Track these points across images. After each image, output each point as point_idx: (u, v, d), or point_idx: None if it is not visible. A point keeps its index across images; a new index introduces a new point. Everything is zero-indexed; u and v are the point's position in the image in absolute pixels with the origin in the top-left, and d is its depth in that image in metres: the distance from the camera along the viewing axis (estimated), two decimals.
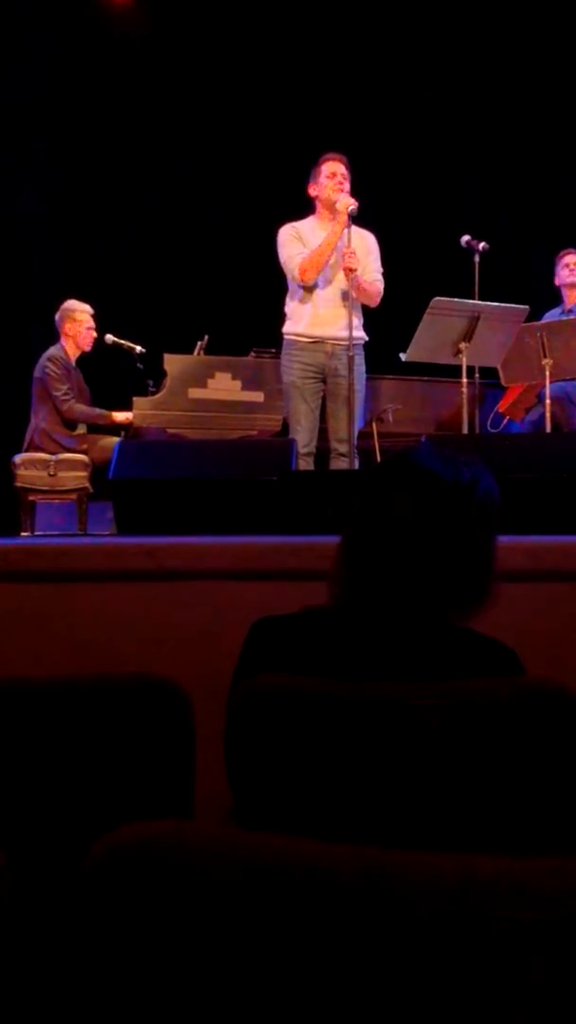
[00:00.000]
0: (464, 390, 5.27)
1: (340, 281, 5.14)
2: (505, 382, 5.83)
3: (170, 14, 7.79)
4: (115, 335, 6.32)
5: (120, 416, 5.91)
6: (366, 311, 5.33)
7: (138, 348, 6.27)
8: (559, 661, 2.28)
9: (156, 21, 7.75)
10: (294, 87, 7.83)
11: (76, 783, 1.45)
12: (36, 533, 5.79)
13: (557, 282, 6.23)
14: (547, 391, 5.49)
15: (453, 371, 5.42)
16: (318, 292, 5.20)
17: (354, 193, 5.18)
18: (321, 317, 5.19)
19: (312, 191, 5.30)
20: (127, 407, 5.91)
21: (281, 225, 5.32)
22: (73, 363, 6.08)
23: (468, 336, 5.19)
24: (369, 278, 5.19)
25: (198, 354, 6.16)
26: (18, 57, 7.56)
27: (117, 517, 3.96)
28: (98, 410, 6.02)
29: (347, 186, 5.20)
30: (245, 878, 0.76)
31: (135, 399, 5.89)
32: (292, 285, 5.28)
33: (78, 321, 6.09)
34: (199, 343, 6.24)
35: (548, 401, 5.49)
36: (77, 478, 5.76)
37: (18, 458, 5.83)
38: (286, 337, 5.31)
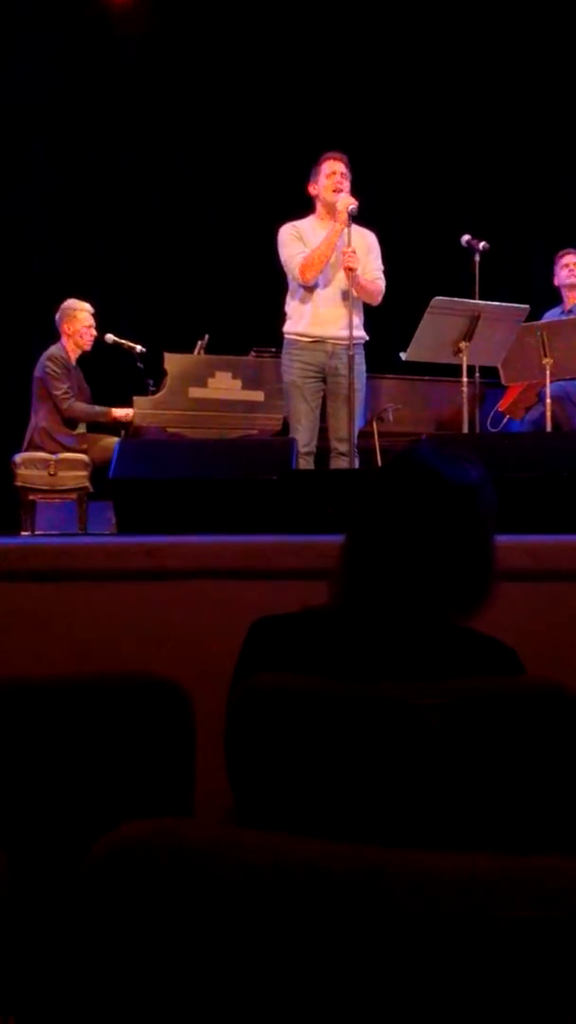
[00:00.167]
0: (464, 389, 5.26)
1: (340, 280, 5.14)
2: (505, 381, 5.83)
3: (170, 14, 7.79)
4: (115, 334, 6.32)
5: (120, 412, 5.91)
6: (367, 310, 5.33)
7: (138, 347, 6.27)
8: (559, 660, 2.28)
9: (156, 21, 7.75)
10: (294, 87, 7.83)
11: (76, 783, 1.45)
12: (36, 532, 5.79)
13: (556, 282, 6.23)
14: (547, 390, 5.50)
15: (453, 370, 5.42)
16: (318, 291, 5.20)
17: (354, 192, 5.18)
18: (321, 316, 5.19)
19: (312, 190, 5.30)
20: (127, 406, 5.91)
21: (281, 224, 5.32)
22: (73, 362, 6.08)
23: (468, 335, 5.19)
24: (370, 277, 5.19)
25: (198, 353, 6.16)
26: (18, 57, 7.56)
27: (117, 516, 3.97)
28: (98, 408, 6.02)
29: (347, 185, 5.19)
30: (245, 877, 0.76)
31: (135, 398, 5.89)
32: (293, 284, 5.28)
33: (78, 320, 6.09)
34: (199, 342, 6.23)
35: (548, 400, 5.49)
36: (77, 477, 5.76)
37: (18, 457, 5.83)
38: (286, 336, 5.31)
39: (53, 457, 5.80)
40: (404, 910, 0.72)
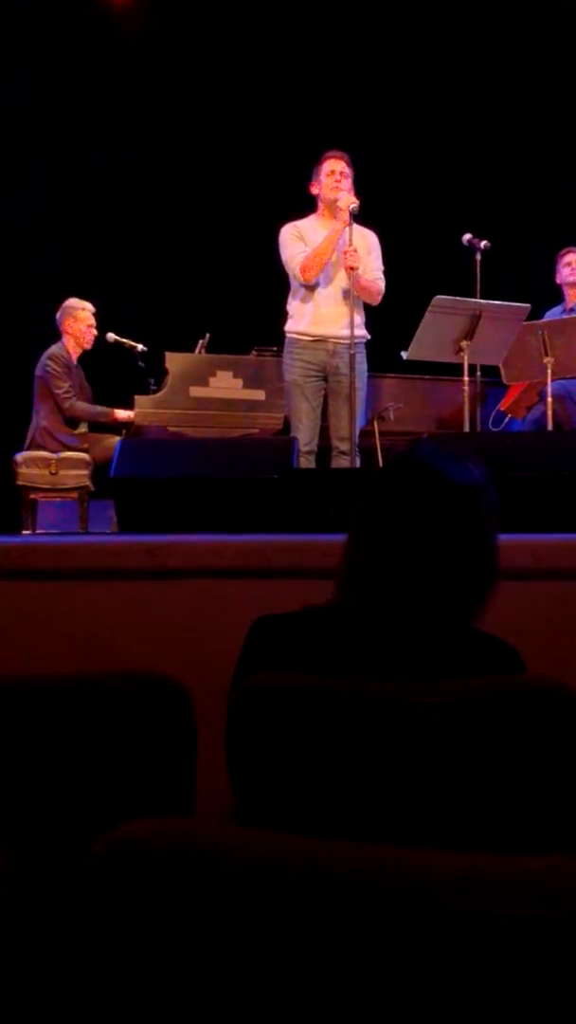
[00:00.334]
0: (465, 388, 5.26)
1: (342, 279, 5.14)
2: (506, 380, 5.83)
3: (170, 14, 7.79)
4: (116, 334, 6.32)
5: (122, 414, 5.91)
6: (368, 309, 5.33)
7: (139, 347, 6.27)
8: (560, 659, 2.28)
9: (156, 20, 7.75)
10: (295, 86, 7.82)
11: (78, 781, 1.45)
12: (37, 531, 5.79)
13: (558, 280, 6.23)
14: (548, 389, 5.50)
15: (454, 369, 5.42)
16: (320, 290, 5.20)
17: (355, 191, 5.18)
18: (323, 315, 5.19)
19: (314, 189, 5.30)
20: (129, 405, 5.91)
21: (283, 224, 5.32)
22: (74, 361, 6.08)
23: (469, 334, 5.19)
24: (370, 276, 5.19)
25: (199, 352, 6.16)
26: (19, 57, 7.56)
27: (118, 515, 3.97)
28: (100, 408, 6.02)
29: (347, 184, 5.19)
30: (246, 875, 0.76)
31: (136, 397, 5.89)
32: (294, 284, 5.28)
33: (79, 319, 6.09)
34: (200, 341, 6.23)
35: (550, 399, 5.49)
36: (78, 476, 5.76)
37: (20, 456, 5.83)
38: (288, 335, 5.31)
39: (54, 456, 5.80)
40: (404, 908, 0.72)
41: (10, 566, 2.63)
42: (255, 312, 6.78)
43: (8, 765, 1.43)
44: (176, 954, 0.77)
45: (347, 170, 5.23)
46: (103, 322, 6.24)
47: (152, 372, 6.07)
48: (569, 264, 6.14)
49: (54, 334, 6.14)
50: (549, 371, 5.43)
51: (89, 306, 6.15)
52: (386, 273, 5.29)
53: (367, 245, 5.24)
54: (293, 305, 5.30)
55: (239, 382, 5.90)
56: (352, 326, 5.04)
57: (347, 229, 5.05)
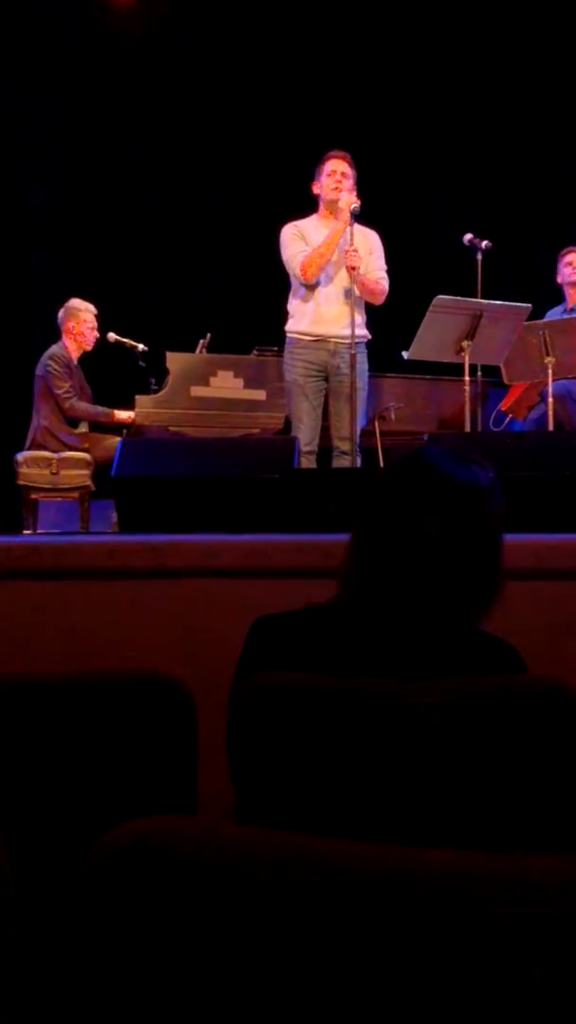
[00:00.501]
0: (466, 388, 5.26)
1: (343, 279, 5.14)
2: (507, 380, 5.83)
3: (171, 13, 7.79)
4: (117, 333, 6.32)
5: (123, 414, 5.91)
6: (369, 309, 5.33)
7: (140, 346, 6.27)
8: (560, 659, 2.28)
9: (158, 19, 7.75)
10: (296, 85, 7.82)
11: (78, 781, 1.45)
12: (38, 531, 5.79)
13: (559, 280, 6.23)
14: (549, 389, 5.49)
15: (455, 369, 5.42)
16: (320, 290, 5.20)
17: (357, 191, 5.19)
18: (323, 315, 5.20)
19: (315, 189, 5.30)
20: (129, 405, 5.91)
21: (284, 224, 5.32)
22: (75, 362, 6.09)
23: (470, 334, 5.19)
24: (372, 276, 5.19)
25: (200, 352, 6.16)
26: (19, 56, 7.56)
27: (119, 515, 3.97)
28: (100, 408, 6.02)
29: (348, 184, 5.20)
30: (246, 875, 0.76)
31: (137, 397, 5.89)
32: (295, 283, 5.29)
33: (81, 320, 6.09)
34: (201, 341, 6.24)
35: (551, 399, 5.48)
36: (79, 476, 5.76)
37: (20, 456, 5.83)
38: (288, 335, 5.31)
39: (55, 456, 5.80)
40: (405, 907, 0.73)
41: (11, 566, 2.63)
42: (256, 312, 6.79)
43: (9, 765, 1.43)
44: (177, 953, 0.77)
45: (348, 170, 5.23)
46: (104, 321, 6.24)
47: (153, 372, 6.07)
48: (570, 264, 6.14)
49: (55, 334, 6.14)
50: (550, 371, 5.43)
51: (92, 308, 6.15)
52: (388, 273, 5.29)
53: (368, 245, 5.24)
54: (294, 304, 5.30)
55: (240, 382, 5.90)
56: (353, 326, 5.04)
57: (348, 229, 5.06)
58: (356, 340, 5.07)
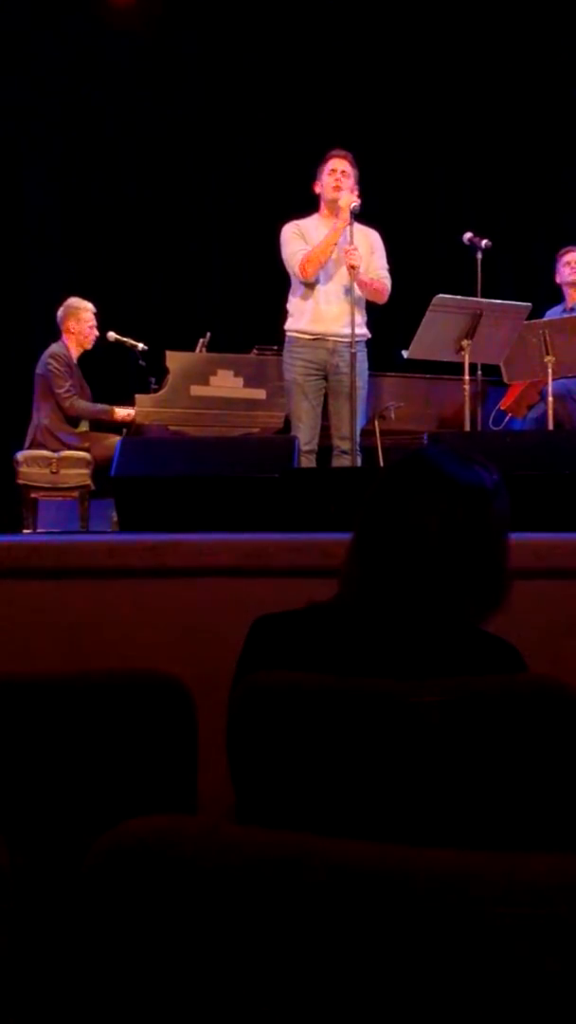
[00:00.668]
0: (466, 387, 5.26)
1: (343, 277, 5.15)
2: (507, 379, 5.83)
3: (172, 12, 7.78)
4: (117, 332, 6.32)
5: (122, 412, 5.91)
6: (369, 308, 5.33)
7: (140, 345, 6.27)
8: (560, 659, 2.28)
9: (158, 18, 7.75)
10: (296, 84, 7.82)
11: (79, 780, 1.45)
12: (38, 530, 5.79)
13: (558, 280, 6.22)
14: (549, 388, 5.49)
15: (455, 368, 5.42)
16: (320, 288, 5.20)
17: (359, 190, 5.19)
18: (323, 313, 5.20)
19: (317, 189, 5.31)
20: (129, 404, 5.91)
21: (284, 223, 5.33)
22: (75, 361, 6.09)
23: (470, 333, 5.19)
24: (374, 276, 5.20)
25: (200, 351, 6.16)
26: (20, 56, 7.55)
27: (119, 514, 3.97)
28: (100, 406, 6.02)
29: (348, 183, 5.20)
30: (246, 874, 0.76)
31: (137, 396, 5.89)
32: (295, 282, 5.29)
33: (81, 319, 6.09)
34: (201, 340, 6.24)
35: (550, 398, 5.48)
36: (79, 475, 5.76)
37: (20, 455, 5.83)
38: (288, 333, 5.31)
39: (55, 455, 5.80)
40: (405, 906, 0.73)
41: (11, 565, 2.63)
42: (256, 311, 6.79)
43: (9, 764, 1.43)
44: (177, 952, 0.77)
45: (349, 169, 5.23)
46: (104, 321, 6.23)
47: (153, 371, 6.07)
48: (569, 263, 6.14)
49: (55, 333, 6.14)
50: (550, 370, 5.43)
51: (91, 306, 6.15)
52: (389, 272, 5.29)
53: (370, 244, 5.24)
54: (293, 303, 5.30)
55: (240, 381, 5.90)
56: (353, 324, 5.04)
57: (348, 228, 5.06)
58: (356, 339, 5.07)
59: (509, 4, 7.79)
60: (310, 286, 5.20)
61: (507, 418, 6.15)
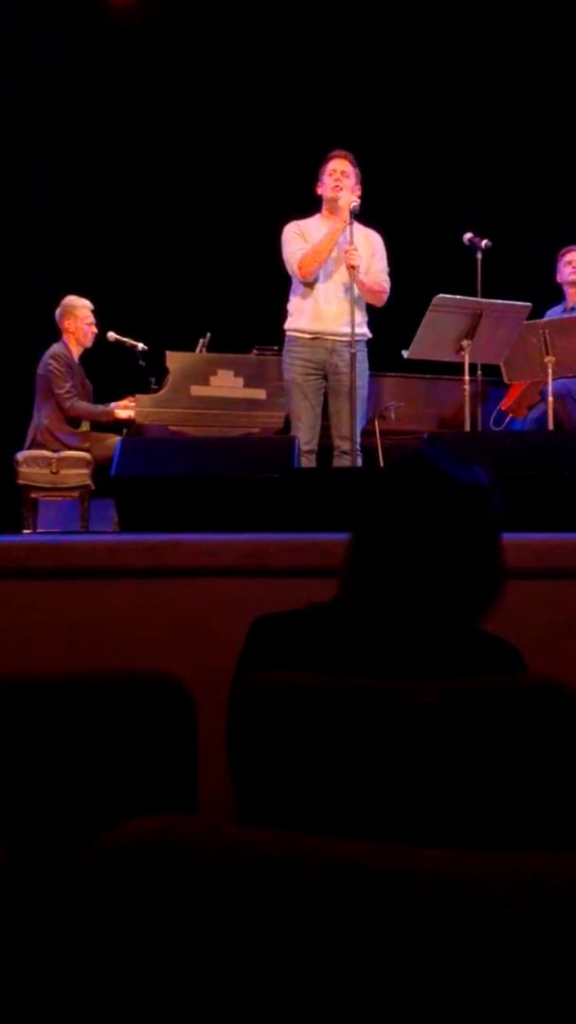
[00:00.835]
0: (466, 387, 5.26)
1: (342, 277, 5.14)
2: (507, 379, 5.83)
3: (172, 12, 7.78)
4: (117, 332, 6.32)
5: (123, 412, 5.91)
6: (369, 308, 5.32)
7: (140, 345, 6.27)
8: (560, 659, 2.28)
9: (158, 19, 7.75)
10: (296, 84, 7.82)
11: (79, 780, 1.45)
12: (38, 530, 5.79)
13: (559, 279, 6.22)
14: (549, 388, 5.49)
15: (455, 368, 5.42)
16: (320, 288, 5.20)
17: (360, 191, 5.19)
18: (322, 313, 5.19)
19: (319, 190, 5.31)
20: (128, 398, 5.92)
21: (285, 223, 5.33)
22: (76, 360, 6.09)
23: (470, 333, 5.19)
24: (375, 278, 5.19)
25: (200, 351, 6.16)
26: (20, 56, 7.55)
27: (119, 514, 3.97)
28: (100, 407, 6.02)
29: (349, 183, 5.19)
30: (246, 873, 0.76)
31: (137, 396, 5.89)
32: (294, 281, 5.29)
33: (78, 317, 6.09)
34: (201, 340, 6.23)
35: (551, 398, 5.48)
36: (79, 475, 5.76)
37: (20, 455, 5.83)
38: (287, 333, 5.31)
39: (55, 455, 5.80)
40: (406, 906, 0.73)
41: (11, 565, 2.63)
42: (256, 311, 6.79)
43: (9, 764, 1.43)
44: (177, 952, 0.77)
45: (350, 169, 5.23)
46: (104, 321, 6.24)
47: (153, 371, 6.07)
48: (570, 263, 6.13)
49: (54, 333, 6.14)
50: (550, 370, 5.43)
51: (88, 303, 6.15)
52: (389, 273, 5.29)
53: (371, 246, 5.24)
54: (293, 302, 5.30)
55: (240, 381, 5.90)
56: (352, 324, 5.04)
57: (348, 228, 5.06)
58: (356, 338, 5.07)
59: (509, 4, 7.79)
60: (310, 285, 5.20)
61: (507, 418, 6.15)
